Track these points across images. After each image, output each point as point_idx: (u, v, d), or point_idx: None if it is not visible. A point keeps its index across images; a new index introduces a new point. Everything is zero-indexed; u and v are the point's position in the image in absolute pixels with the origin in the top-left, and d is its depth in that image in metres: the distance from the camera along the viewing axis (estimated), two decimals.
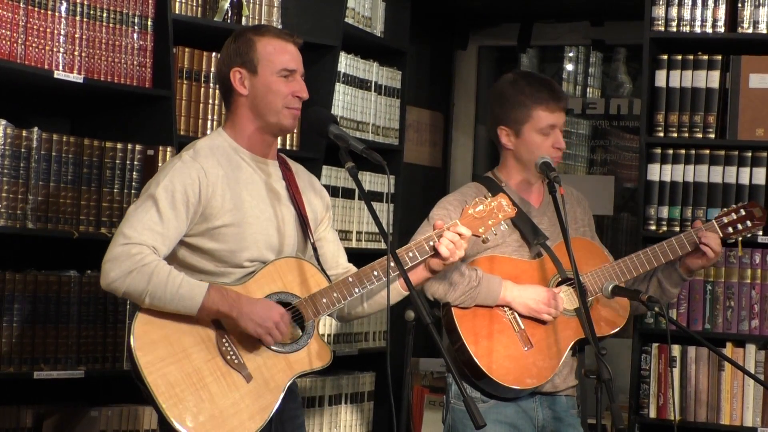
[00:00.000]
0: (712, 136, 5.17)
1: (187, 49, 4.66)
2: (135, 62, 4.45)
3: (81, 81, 4.24)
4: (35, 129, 4.16)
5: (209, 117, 4.71)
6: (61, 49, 4.22)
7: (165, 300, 3.39)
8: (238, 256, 3.53)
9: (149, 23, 4.49)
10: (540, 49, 6.92)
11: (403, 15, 5.75)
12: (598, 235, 4.35)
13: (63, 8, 4.22)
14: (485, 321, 3.99)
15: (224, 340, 3.48)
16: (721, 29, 5.16)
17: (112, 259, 3.38)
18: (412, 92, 6.05)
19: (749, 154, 5.12)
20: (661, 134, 5.22)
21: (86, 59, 4.30)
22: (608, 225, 6.54)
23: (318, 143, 5.04)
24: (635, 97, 6.59)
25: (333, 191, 5.25)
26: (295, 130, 5.02)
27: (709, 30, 5.17)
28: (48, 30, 4.17)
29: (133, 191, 4.37)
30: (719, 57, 5.18)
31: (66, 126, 4.64)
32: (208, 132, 4.62)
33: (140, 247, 3.38)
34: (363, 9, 5.39)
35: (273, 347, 3.50)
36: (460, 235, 3.64)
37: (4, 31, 4.02)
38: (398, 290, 3.65)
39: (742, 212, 4.22)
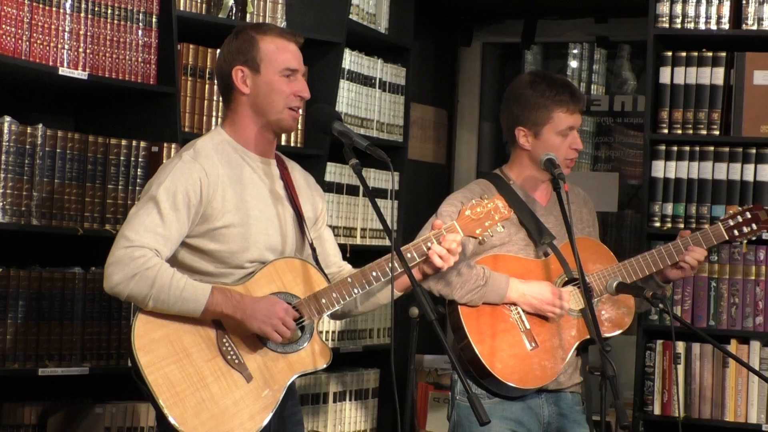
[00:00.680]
0: (717, 132, 5.17)
1: (191, 46, 4.66)
2: (139, 59, 4.45)
3: (85, 78, 4.24)
4: (40, 125, 4.16)
5: (213, 114, 4.71)
6: (66, 46, 4.22)
7: (169, 303, 3.38)
8: (239, 257, 3.51)
9: (154, 20, 4.49)
10: (544, 46, 6.91)
11: (408, 12, 5.75)
12: (602, 232, 4.35)
13: (67, 5, 4.22)
14: (491, 319, 3.99)
15: (224, 340, 3.47)
16: (726, 26, 5.16)
17: (114, 262, 3.36)
18: (417, 89, 6.05)
19: (753, 151, 5.11)
20: (666, 131, 5.22)
21: (91, 56, 4.30)
22: (612, 222, 6.54)
23: (322, 140, 5.04)
24: (639, 93, 6.59)
25: (337, 188, 5.25)
26: (300, 127, 5.03)
27: (713, 27, 5.17)
28: (52, 27, 4.17)
29: (137, 188, 4.37)
30: (723, 54, 5.17)
31: (70, 122, 4.65)
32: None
33: (143, 250, 3.36)
34: (367, 6, 5.39)
35: (272, 347, 3.50)
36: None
37: (8, 28, 4.03)
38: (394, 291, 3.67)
39: (748, 215, 4.23)
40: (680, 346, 5.14)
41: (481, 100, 6.79)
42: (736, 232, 4.21)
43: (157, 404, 3.37)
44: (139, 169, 4.40)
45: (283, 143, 4.94)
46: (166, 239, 3.42)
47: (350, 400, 5.45)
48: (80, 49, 4.27)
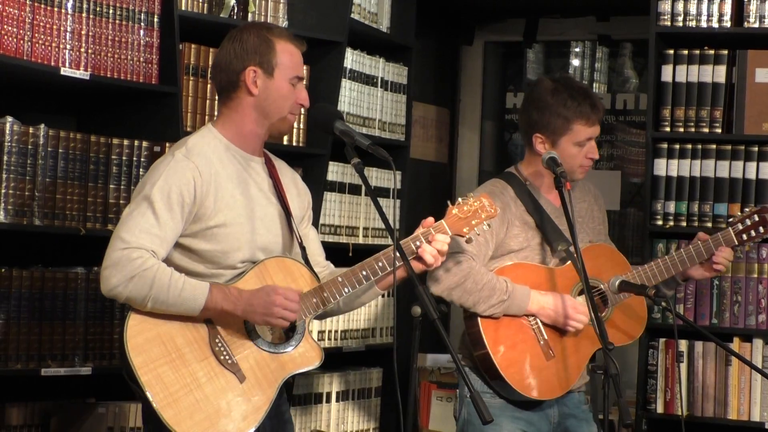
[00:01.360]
0: (719, 130, 5.17)
1: (193, 46, 4.66)
2: (141, 59, 4.45)
3: (87, 78, 4.24)
4: (42, 126, 4.16)
5: (215, 113, 4.69)
6: (68, 46, 4.22)
7: (168, 303, 3.37)
8: (231, 256, 3.50)
9: (155, 20, 4.49)
10: (546, 45, 6.90)
11: (409, 11, 5.75)
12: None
13: (69, 5, 4.22)
14: (510, 331, 4.01)
15: (217, 340, 3.46)
16: (728, 24, 5.16)
17: (112, 264, 3.35)
18: (418, 88, 6.05)
19: (756, 149, 5.11)
20: (668, 129, 5.22)
21: (92, 56, 4.30)
22: (615, 220, 6.53)
23: (324, 139, 5.04)
24: (641, 92, 6.58)
25: (339, 187, 5.25)
26: (302, 127, 5.03)
27: (715, 25, 5.16)
28: (54, 27, 4.18)
29: None
30: (725, 52, 5.17)
31: (72, 123, 4.65)
32: None
33: (140, 251, 3.34)
34: (369, 5, 5.38)
35: (265, 348, 3.49)
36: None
37: (10, 28, 4.03)
38: (375, 290, 3.68)
39: (756, 218, 4.24)
40: (683, 345, 5.14)
41: (483, 98, 6.79)
42: (744, 237, 4.24)
43: (150, 405, 3.35)
44: (141, 169, 4.40)
45: (285, 142, 4.94)
46: (162, 240, 3.40)
47: (353, 399, 5.45)
48: (82, 49, 4.27)
